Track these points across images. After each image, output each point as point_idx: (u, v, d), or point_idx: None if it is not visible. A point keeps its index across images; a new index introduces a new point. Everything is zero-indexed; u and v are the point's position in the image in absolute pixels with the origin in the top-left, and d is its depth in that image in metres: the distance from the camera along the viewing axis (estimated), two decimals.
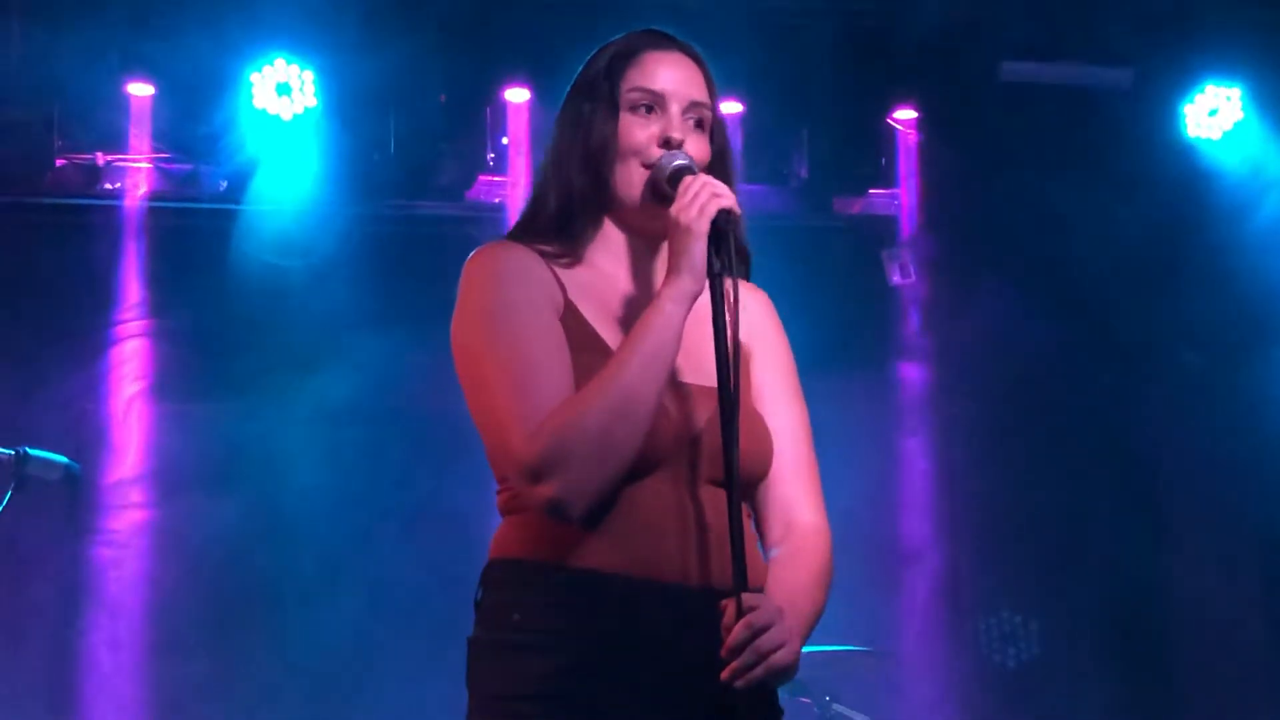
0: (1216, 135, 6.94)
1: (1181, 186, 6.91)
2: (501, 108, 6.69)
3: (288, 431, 6.36)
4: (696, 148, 2.55)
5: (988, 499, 6.98)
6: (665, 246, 2.56)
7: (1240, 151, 6.98)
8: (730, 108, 6.70)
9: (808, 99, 6.74)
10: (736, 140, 6.75)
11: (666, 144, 2.52)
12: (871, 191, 7.12)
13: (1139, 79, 6.89)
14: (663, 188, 2.50)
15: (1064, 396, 6.96)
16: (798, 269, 6.12)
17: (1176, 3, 6.45)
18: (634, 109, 2.55)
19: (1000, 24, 6.67)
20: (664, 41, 2.62)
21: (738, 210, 2.42)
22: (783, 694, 2.53)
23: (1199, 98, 6.93)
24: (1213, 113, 6.93)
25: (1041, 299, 6.88)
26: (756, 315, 2.59)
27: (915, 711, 6.63)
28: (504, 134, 6.69)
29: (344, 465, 6.37)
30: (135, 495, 6.52)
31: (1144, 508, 7.08)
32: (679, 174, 2.47)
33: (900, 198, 7.11)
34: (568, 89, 2.63)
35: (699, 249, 2.39)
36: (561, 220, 2.55)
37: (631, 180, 2.53)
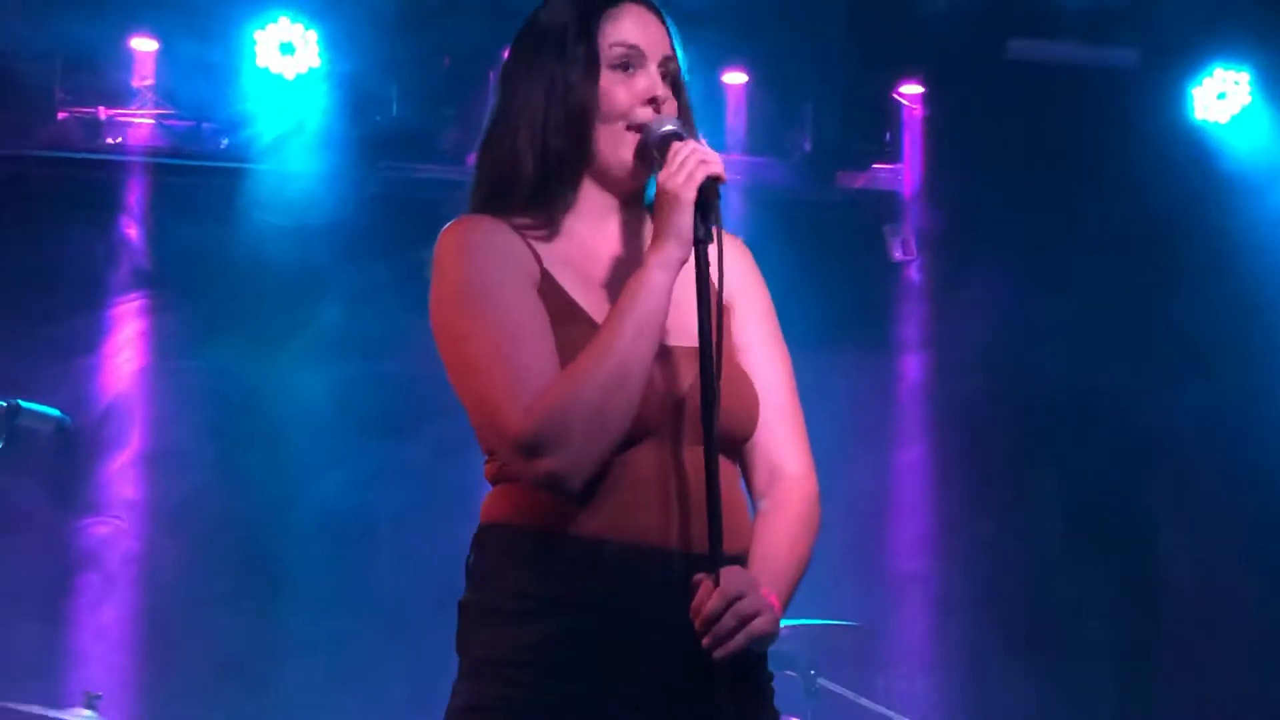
0: (1224, 119, 6.92)
1: (1187, 169, 6.88)
2: None
3: (283, 393, 6.34)
4: (672, 106, 2.53)
5: (983, 480, 6.96)
6: (642, 207, 2.57)
7: (1248, 136, 6.96)
8: (734, 79, 6.68)
9: (813, 71, 6.71)
10: (741, 112, 6.75)
11: (652, 103, 2.50)
12: (875, 166, 7.09)
13: (1146, 60, 6.86)
14: (650, 153, 2.48)
15: (1065, 375, 6.93)
16: (799, 243, 6.13)
17: None
18: (614, 67, 2.51)
19: (1008, 1, 6.64)
20: None
21: (725, 177, 2.41)
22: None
23: (1207, 80, 6.90)
24: (1221, 96, 6.90)
25: (1044, 277, 6.86)
26: (736, 266, 2.55)
27: (900, 686, 6.62)
28: None
29: (340, 428, 6.34)
30: (129, 454, 6.50)
31: (1148, 490, 7.05)
32: (667, 139, 2.46)
33: (904, 173, 7.08)
34: (518, 45, 2.56)
35: (685, 216, 2.38)
36: (538, 186, 2.50)
37: (618, 143, 2.51)
